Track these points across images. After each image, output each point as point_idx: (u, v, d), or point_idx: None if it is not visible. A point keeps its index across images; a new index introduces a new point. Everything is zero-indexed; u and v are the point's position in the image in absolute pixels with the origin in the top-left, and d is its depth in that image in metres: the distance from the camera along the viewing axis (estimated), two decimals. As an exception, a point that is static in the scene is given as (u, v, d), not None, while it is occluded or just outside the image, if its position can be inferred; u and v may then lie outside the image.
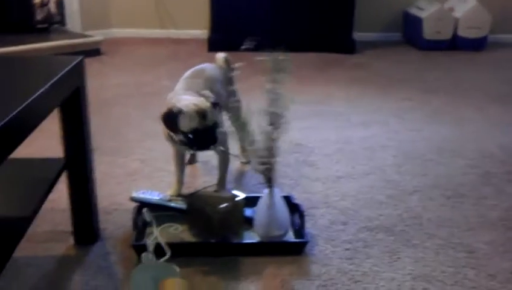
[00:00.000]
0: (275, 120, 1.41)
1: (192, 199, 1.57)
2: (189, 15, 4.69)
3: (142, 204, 1.61)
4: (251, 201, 1.64)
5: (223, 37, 4.21)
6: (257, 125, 1.43)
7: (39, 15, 4.13)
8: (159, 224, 1.58)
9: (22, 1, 4.01)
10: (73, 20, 4.44)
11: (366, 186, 1.98)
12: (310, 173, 2.07)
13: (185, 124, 1.54)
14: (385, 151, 2.32)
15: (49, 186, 1.40)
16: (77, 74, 1.42)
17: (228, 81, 1.96)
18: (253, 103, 1.44)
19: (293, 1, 4.28)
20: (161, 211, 1.64)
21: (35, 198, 1.32)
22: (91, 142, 1.52)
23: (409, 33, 4.76)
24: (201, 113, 1.53)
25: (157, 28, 4.71)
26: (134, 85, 3.25)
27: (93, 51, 4.01)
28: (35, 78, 1.26)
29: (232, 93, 1.96)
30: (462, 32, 4.54)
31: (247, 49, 1.44)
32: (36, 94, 1.11)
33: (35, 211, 1.29)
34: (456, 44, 4.55)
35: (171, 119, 1.55)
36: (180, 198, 1.67)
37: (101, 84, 3.24)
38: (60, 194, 1.70)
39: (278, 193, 1.52)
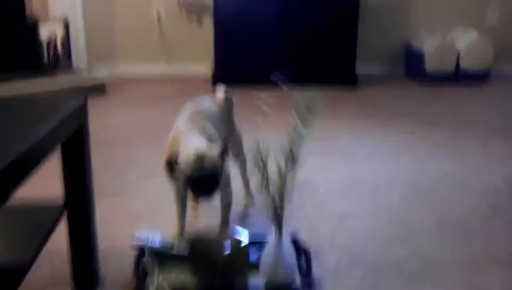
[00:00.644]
0: (291, 161, 1.38)
1: (195, 243, 1.54)
2: (193, 51, 4.74)
3: (143, 250, 1.58)
4: (256, 240, 1.60)
5: (226, 72, 4.23)
6: (271, 165, 1.41)
7: (46, 53, 4.18)
8: (161, 270, 1.54)
9: (30, 40, 4.05)
10: (80, 57, 4.48)
11: (372, 225, 1.94)
12: (315, 212, 2.03)
13: (182, 171, 1.54)
14: (391, 187, 2.28)
15: (48, 231, 1.37)
16: (80, 114, 1.41)
17: (229, 117, 1.95)
18: (261, 141, 1.42)
19: (296, 36, 4.32)
20: (164, 258, 1.60)
21: (33, 244, 1.29)
22: (92, 183, 1.49)
23: (411, 66, 4.78)
24: (199, 161, 1.52)
25: (162, 63, 4.76)
26: (139, 122, 3.25)
27: (99, 90, 4.03)
28: (37, 120, 1.25)
29: (233, 130, 1.95)
30: (465, 64, 4.54)
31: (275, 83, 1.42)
32: (37, 137, 1.10)
33: (33, 258, 1.26)
34: (458, 77, 4.55)
35: (169, 166, 1.55)
36: (183, 242, 1.63)
37: (104, 122, 3.24)
38: (60, 235, 1.67)
39: (287, 239, 1.48)
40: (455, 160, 2.63)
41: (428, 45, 4.51)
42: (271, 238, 1.49)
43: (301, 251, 1.60)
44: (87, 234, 1.51)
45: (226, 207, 1.75)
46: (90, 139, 1.48)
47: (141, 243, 1.58)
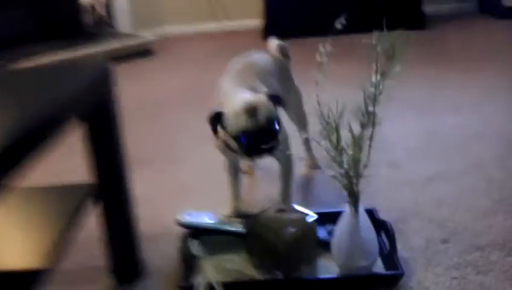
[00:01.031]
0: (368, 122, 1.08)
1: (252, 221, 1.28)
2: (242, 4, 4.40)
3: (192, 229, 1.34)
4: (326, 218, 1.32)
5: (278, 24, 3.89)
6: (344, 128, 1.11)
7: (88, 18, 3.99)
8: (212, 254, 1.30)
9: (70, 5, 3.86)
10: (123, 20, 4.27)
11: (465, 189, 1.60)
12: (393, 176, 1.71)
13: (231, 126, 1.26)
14: (482, 141, 1.92)
15: (76, 215, 1.15)
16: (102, 84, 1.16)
17: (284, 73, 1.64)
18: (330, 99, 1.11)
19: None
20: (216, 236, 1.36)
21: (61, 231, 1.07)
22: (125, 162, 1.25)
23: (485, 1, 4.23)
24: (251, 111, 1.24)
25: (210, 21, 4.46)
26: (189, 85, 2.99)
27: (145, 52, 3.80)
28: (48, 90, 1.02)
29: (290, 88, 1.65)
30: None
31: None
32: (38, 110, 0.85)
33: (61, 248, 1.04)
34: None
35: (213, 121, 1.29)
36: (238, 219, 1.37)
37: (153, 86, 3.02)
38: (93, 217, 1.46)
39: (363, 212, 1.19)
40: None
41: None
42: (344, 213, 1.21)
43: (381, 227, 1.31)
44: (124, 217, 1.28)
45: (287, 174, 1.47)
46: (120, 112, 1.23)
47: (188, 222, 1.34)
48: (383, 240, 1.29)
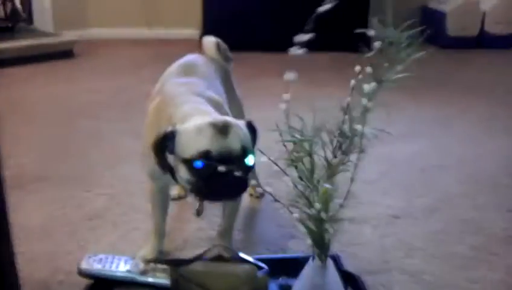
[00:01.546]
0: (350, 145, 0.80)
1: (180, 272, 0.94)
2: (179, 12, 4.08)
3: (100, 280, 0.98)
4: (277, 266, 1.02)
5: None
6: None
7: (2, 12, 3.53)
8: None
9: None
10: (44, 19, 3.81)
11: (436, 231, 1.36)
12: (352, 212, 1.44)
13: (186, 146, 0.91)
14: (445, 174, 1.70)
15: None
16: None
17: (226, 78, 1.34)
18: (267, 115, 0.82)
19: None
20: (133, 288, 1.01)
21: None
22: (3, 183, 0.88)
23: (429, 30, 4.17)
24: (220, 128, 0.91)
25: (142, 28, 4.09)
26: (111, 91, 2.61)
27: (66, 53, 3.38)
28: None
29: (233, 97, 1.34)
30: (489, 28, 3.96)
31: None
32: None
33: None
34: (482, 42, 3.96)
35: (161, 143, 0.93)
36: (162, 266, 1.03)
37: (70, 90, 2.61)
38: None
39: (332, 266, 0.89)
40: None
41: (450, 5, 3.91)
42: (307, 267, 0.91)
43: (348, 281, 1.02)
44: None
45: (234, 207, 1.15)
46: None
47: (95, 271, 0.99)
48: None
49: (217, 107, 1.04)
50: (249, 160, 0.91)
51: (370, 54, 0.79)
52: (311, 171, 0.79)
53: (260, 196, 1.49)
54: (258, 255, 1.06)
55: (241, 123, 0.96)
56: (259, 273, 0.94)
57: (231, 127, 0.91)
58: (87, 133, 2.01)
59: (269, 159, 0.78)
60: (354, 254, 1.24)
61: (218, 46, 1.35)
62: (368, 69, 0.80)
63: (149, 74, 3.00)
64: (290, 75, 0.80)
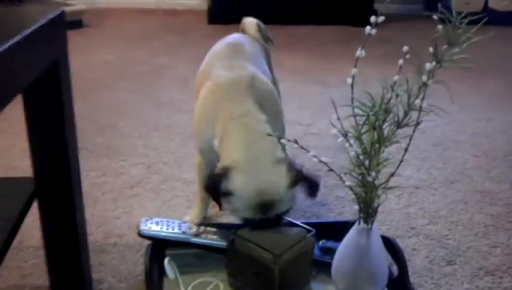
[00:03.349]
0: (407, 118, 0.87)
1: (237, 235, 1.02)
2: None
3: (157, 241, 1.07)
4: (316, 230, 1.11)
5: (225, 7, 3.61)
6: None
7: (8, -20, 3.50)
8: (184, 273, 1.04)
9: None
10: (51, -12, 3.80)
11: (456, 200, 1.45)
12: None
13: (237, 203, 1.00)
14: (460, 148, 1.79)
15: (14, 220, 0.85)
16: (55, 39, 0.86)
17: (269, 59, 1.40)
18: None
19: (307, -34, 3.70)
20: (186, 249, 1.09)
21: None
22: (77, 150, 0.95)
23: (433, 5, 4.22)
24: (264, 206, 0.99)
25: (148, -2, 4.09)
26: (126, 63, 2.65)
27: (74, 23, 3.39)
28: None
29: (272, 73, 1.40)
30: (494, 4, 4.02)
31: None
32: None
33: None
34: (486, 17, 4.02)
35: (216, 186, 1.00)
36: (211, 228, 1.11)
37: (84, 62, 2.64)
38: (31, 221, 1.14)
39: (377, 231, 0.98)
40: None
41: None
42: (353, 230, 0.99)
43: (387, 244, 1.11)
44: (73, 225, 0.98)
45: None
46: (71, 83, 0.94)
47: (153, 233, 1.07)
48: (392, 268, 1.10)
49: (265, 100, 1.10)
50: (281, 220, 1.03)
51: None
52: (373, 143, 0.86)
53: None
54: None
55: (287, 181, 0.99)
56: (309, 235, 1.02)
57: (274, 203, 0.99)
58: (111, 105, 2.07)
59: (340, 132, 0.85)
60: (382, 220, 1.33)
61: (259, 26, 1.40)
62: (430, 49, 0.87)
63: (160, 46, 3.05)
64: (360, 52, 0.87)
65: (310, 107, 2.08)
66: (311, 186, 1.02)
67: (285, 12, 3.70)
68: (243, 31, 1.41)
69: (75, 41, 3.05)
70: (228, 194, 0.98)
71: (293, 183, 0.99)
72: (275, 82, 1.36)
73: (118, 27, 3.46)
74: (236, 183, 0.97)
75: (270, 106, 1.12)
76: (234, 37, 1.31)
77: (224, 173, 0.98)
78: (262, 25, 1.42)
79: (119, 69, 2.54)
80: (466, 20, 0.85)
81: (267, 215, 0.99)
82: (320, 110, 2.03)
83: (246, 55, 1.21)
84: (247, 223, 1.01)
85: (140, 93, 2.20)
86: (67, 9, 3.44)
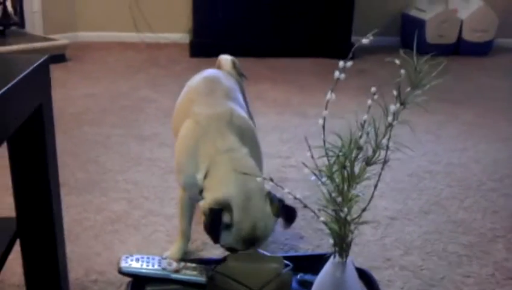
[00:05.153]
0: (376, 156, 0.92)
1: (216, 270, 1.05)
2: (167, 17, 4.15)
3: (137, 278, 1.08)
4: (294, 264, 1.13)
5: (206, 40, 3.69)
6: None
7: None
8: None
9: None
10: (34, 23, 3.85)
11: (430, 231, 1.49)
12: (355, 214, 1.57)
13: (226, 241, 1.08)
14: (435, 179, 1.84)
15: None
16: (40, 84, 0.90)
17: (242, 90, 1.45)
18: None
19: (287, 1, 3.81)
20: (166, 286, 1.11)
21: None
22: (59, 189, 0.98)
23: (408, 37, 4.35)
24: (250, 242, 1.08)
25: (131, 32, 4.15)
26: (109, 97, 2.69)
27: (57, 57, 3.43)
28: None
29: (247, 107, 1.45)
30: (467, 36, 4.15)
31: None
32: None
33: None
34: (459, 49, 4.16)
35: (216, 222, 1.05)
36: (190, 264, 1.14)
37: (67, 96, 2.67)
38: (13, 259, 1.15)
39: (352, 265, 1.01)
40: (499, 143, 2.21)
41: (430, 14, 4.10)
42: (328, 265, 1.02)
43: (362, 276, 1.15)
44: (52, 259, 1.00)
45: None
46: (54, 125, 0.97)
47: (134, 270, 1.08)
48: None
49: (244, 134, 1.16)
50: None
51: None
52: (343, 181, 0.90)
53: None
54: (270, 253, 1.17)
55: (273, 217, 1.07)
56: (286, 269, 1.05)
57: (259, 239, 1.07)
58: (93, 139, 2.09)
59: (313, 173, 0.89)
60: (358, 252, 1.36)
61: (234, 63, 1.46)
62: (394, 92, 0.92)
63: (143, 79, 3.10)
64: (330, 95, 0.92)
65: (289, 140, 2.13)
66: (290, 216, 1.08)
67: (265, 45, 3.79)
68: (219, 67, 1.47)
69: (58, 76, 3.08)
70: (226, 227, 1.03)
71: (276, 215, 1.05)
72: (250, 116, 1.40)
73: (101, 61, 3.51)
74: (236, 217, 1.03)
75: (249, 140, 1.17)
76: (210, 72, 1.36)
77: (224, 207, 1.03)
78: (237, 62, 1.48)
79: (103, 103, 2.58)
80: (426, 66, 0.90)
81: (255, 247, 1.06)
82: (299, 142, 2.08)
83: (223, 90, 1.26)
84: (229, 250, 1.07)
85: (123, 128, 2.23)
86: (50, 44, 3.48)
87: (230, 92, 1.27)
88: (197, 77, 1.35)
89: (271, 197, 1.07)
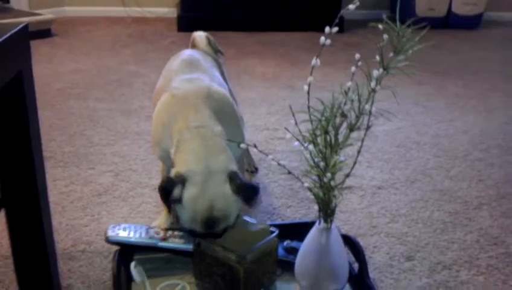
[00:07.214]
0: (358, 122, 0.92)
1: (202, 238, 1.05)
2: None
3: (125, 247, 1.09)
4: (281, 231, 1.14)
5: (194, 15, 3.65)
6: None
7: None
8: (152, 277, 1.07)
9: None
10: (19, -2, 3.78)
11: (416, 199, 1.51)
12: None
13: (183, 219, 1.02)
14: (422, 149, 1.85)
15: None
16: (19, 51, 0.88)
17: (219, 68, 1.43)
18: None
19: (275, -27, 3.76)
20: (153, 254, 1.12)
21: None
22: (42, 156, 0.97)
23: (399, 10, 4.33)
24: (209, 222, 1.00)
25: (118, 6, 4.09)
26: (96, 72, 2.66)
27: (43, 32, 3.38)
28: None
29: (227, 84, 1.43)
30: (457, 9, 4.14)
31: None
32: None
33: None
34: (449, 22, 4.15)
35: (165, 195, 1.01)
36: (177, 232, 1.14)
37: (53, 71, 2.64)
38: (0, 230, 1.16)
39: (336, 230, 1.02)
40: (485, 115, 2.22)
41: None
42: (313, 230, 1.03)
43: (345, 243, 1.16)
44: (36, 229, 1.00)
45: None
46: (35, 93, 0.95)
47: (121, 239, 1.09)
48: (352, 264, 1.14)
49: (222, 110, 1.13)
50: (226, 231, 1.02)
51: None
52: (326, 146, 0.91)
53: (255, 170, 1.60)
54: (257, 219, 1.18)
55: (234, 197, 1.00)
56: (273, 234, 1.06)
57: (218, 219, 0.99)
58: (80, 114, 2.07)
59: (296, 138, 0.89)
60: (345, 220, 1.38)
61: (208, 39, 1.43)
62: (377, 57, 0.91)
63: (130, 54, 3.07)
64: (315, 61, 0.92)
65: (278, 112, 2.13)
66: (249, 194, 1.02)
67: (255, 19, 3.76)
68: (193, 45, 1.44)
69: (44, 51, 3.04)
70: (178, 201, 0.99)
71: (236, 193, 1.00)
72: (231, 92, 1.39)
73: (87, 36, 3.46)
74: (187, 194, 0.99)
75: (227, 116, 1.15)
76: (188, 53, 1.33)
77: (178, 180, 0.99)
78: (211, 38, 1.46)
79: (89, 77, 2.55)
80: (409, 30, 0.89)
81: (211, 231, 1.00)
82: (287, 115, 2.07)
83: (201, 69, 1.24)
84: (192, 234, 1.02)
85: (110, 102, 2.21)
86: (35, 18, 3.43)
87: (208, 71, 1.25)
88: (175, 59, 1.32)
89: (231, 177, 1.01)
